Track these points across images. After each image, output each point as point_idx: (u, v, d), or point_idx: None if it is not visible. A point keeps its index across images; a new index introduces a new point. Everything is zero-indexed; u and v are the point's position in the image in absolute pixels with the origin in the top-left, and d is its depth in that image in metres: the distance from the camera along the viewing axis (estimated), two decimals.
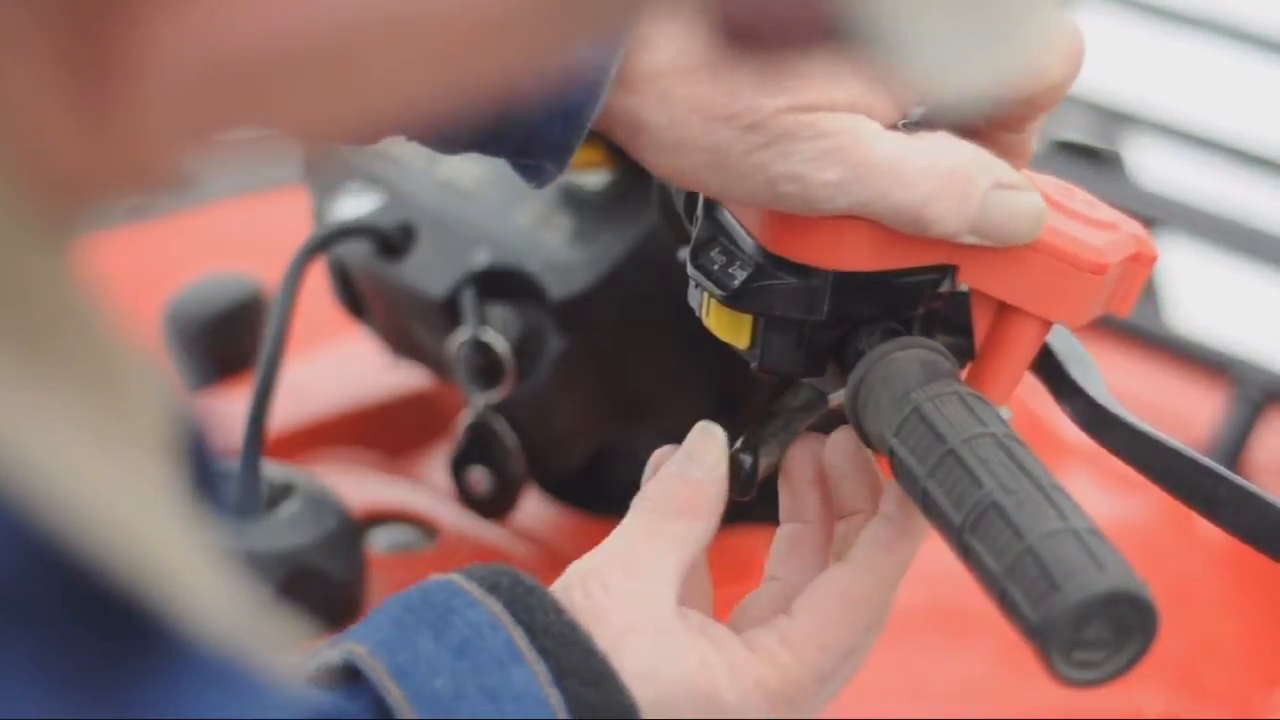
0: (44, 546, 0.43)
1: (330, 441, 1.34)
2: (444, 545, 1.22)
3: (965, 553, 0.72)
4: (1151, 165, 1.69)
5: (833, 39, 0.43)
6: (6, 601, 0.43)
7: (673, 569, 0.76)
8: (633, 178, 1.15)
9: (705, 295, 0.81)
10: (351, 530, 1.14)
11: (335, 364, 1.40)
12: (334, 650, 0.73)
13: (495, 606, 0.73)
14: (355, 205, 1.22)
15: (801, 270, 0.79)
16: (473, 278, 1.17)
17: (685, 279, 0.83)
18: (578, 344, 1.16)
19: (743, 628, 0.78)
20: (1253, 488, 0.79)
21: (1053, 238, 0.79)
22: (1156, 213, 1.52)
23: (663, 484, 0.79)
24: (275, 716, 0.48)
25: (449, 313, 1.17)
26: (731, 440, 0.81)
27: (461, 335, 1.16)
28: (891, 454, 0.76)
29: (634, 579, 0.76)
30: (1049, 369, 0.84)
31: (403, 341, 1.25)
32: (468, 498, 1.23)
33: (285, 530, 1.10)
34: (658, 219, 0.94)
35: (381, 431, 1.36)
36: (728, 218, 0.81)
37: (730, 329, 0.81)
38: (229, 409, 1.19)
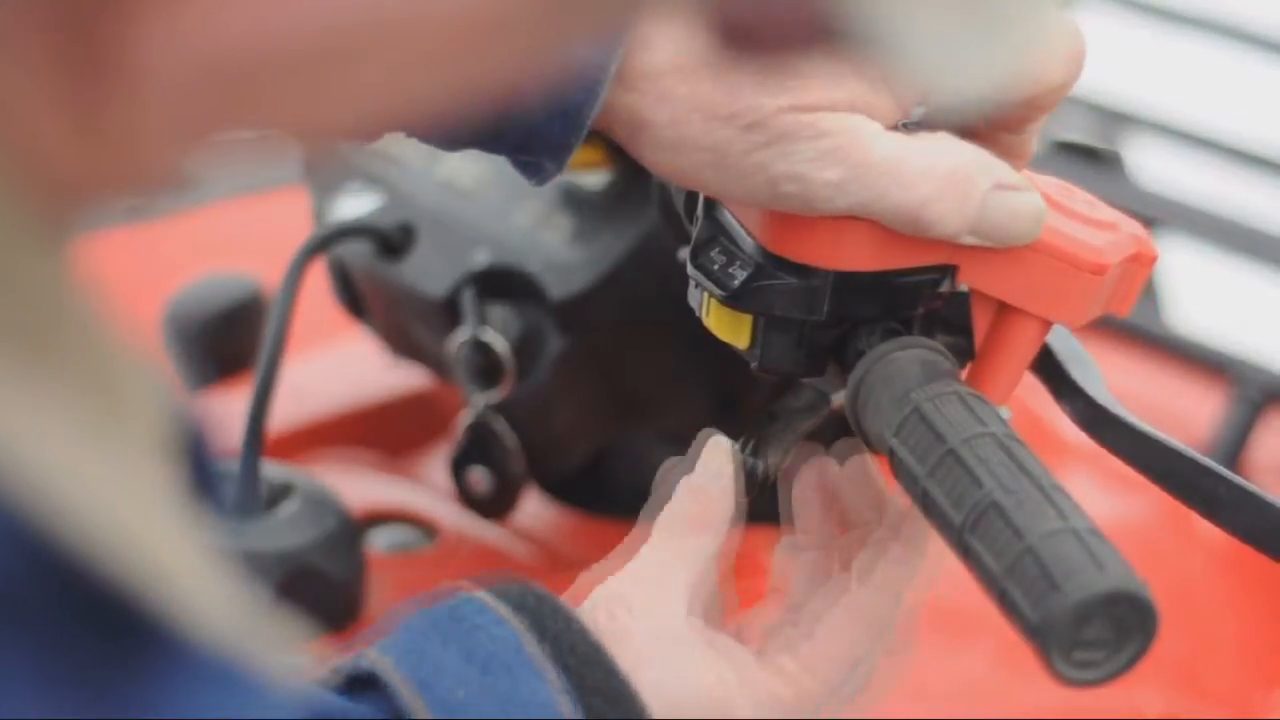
0: (42, 547, 0.43)
1: (330, 441, 1.34)
2: (444, 545, 1.22)
3: (965, 552, 0.72)
4: (1151, 165, 1.69)
5: (831, 39, 0.43)
6: (5, 602, 0.43)
7: (688, 585, 0.77)
8: (633, 178, 1.15)
9: (705, 295, 0.81)
10: (351, 530, 1.14)
11: (335, 364, 1.40)
12: (357, 660, 0.73)
13: (519, 624, 0.73)
14: (355, 205, 1.21)
15: (801, 270, 0.79)
16: (473, 278, 1.17)
17: (685, 279, 0.83)
18: (578, 344, 1.16)
19: (750, 641, 0.78)
20: (1252, 488, 0.79)
21: (1053, 238, 0.79)
22: (1156, 213, 1.52)
23: (677, 502, 0.79)
24: (274, 717, 0.48)
25: (449, 313, 1.17)
26: (735, 441, 0.81)
27: (461, 335, 1.16)
28: (891, 454, 0.76)
29: (655, 600, 0.76)
30: (1049, 369, 0.84)
31: (403, 341, 1.25)
32: (468, 498, 1.23)
33: (285, 530, 1.10)
34: (658, 219, 0.95)
35: (381, 431, 1.36)
36: (728, 218, 0.81)
37: (730, 329, 0.81)
38: (229, 409, 1.19)
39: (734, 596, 0.81)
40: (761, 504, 0.83)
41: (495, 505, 1.22)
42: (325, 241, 1.18)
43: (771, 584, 0.82)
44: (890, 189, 0.76)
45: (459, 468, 1.22)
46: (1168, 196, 1.57)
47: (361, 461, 1.33)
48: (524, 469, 1.21)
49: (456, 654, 0.72)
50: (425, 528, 1.24)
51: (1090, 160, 1.61)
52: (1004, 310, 0.81)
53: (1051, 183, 0.82)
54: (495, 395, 1.17)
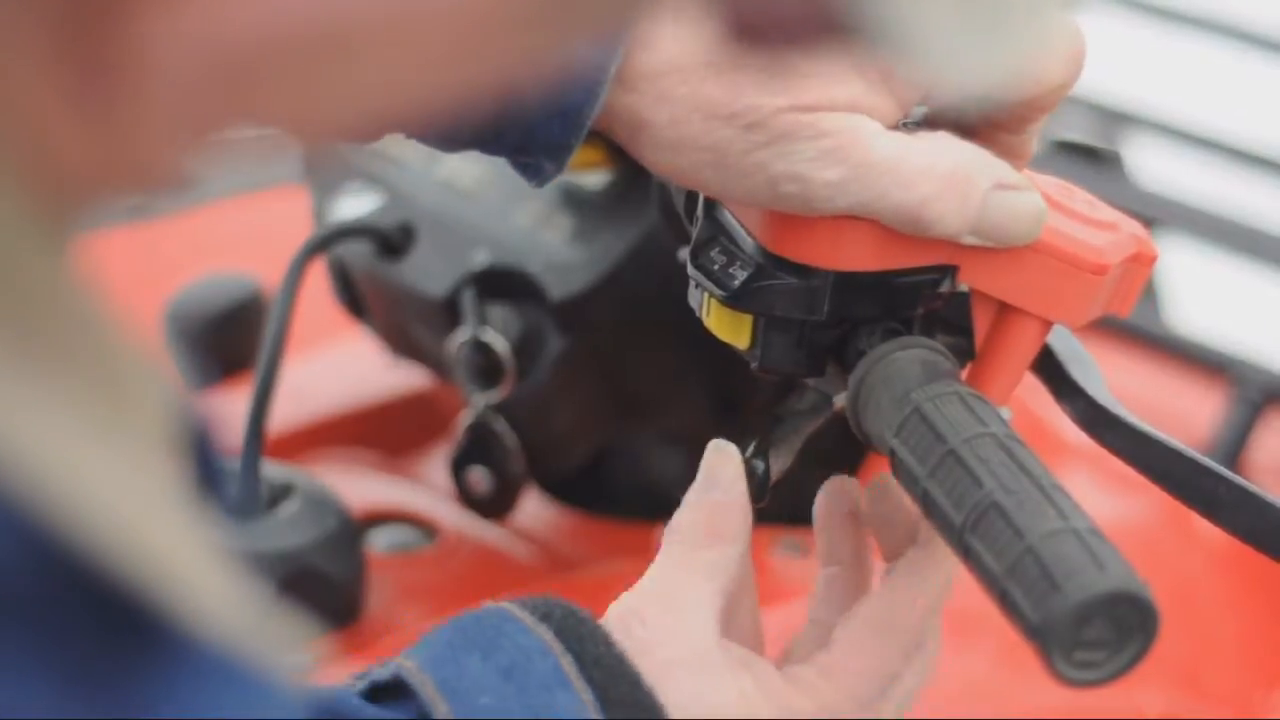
0: (48, 543, 0.43)
1: (330, 441, 1.34)
2: (444, 545, 1.22)
3: (966, 553, 0.72)
4: (1151, 165, 1.69)
5: (840, 35, 0.43)
6: (11, 598, 0.43)
7: (709, 598, 0.76)
8: (633, 178, 1.15)
9: (705, 295, 0.81)
10: (351, 530, 1.14)
11: (335, 364, 1.39)
12: (384, 667, 0.73)
13: (546, 634, 0.73)
14: (355, 205, 1.21)
15: (802, 270, 0.79)
16: (473, 278, 1.17)
17: (685, 279, 0.83)
18: (578, 344, 1.16)
19: (774, 656, 0.78)
20: (1253, 488, 0.79)
21: (1053, 238, 0.79)
22: (1156, 213, 1.52)
23: (687, 513, 0.79)
24: (278, 716, 0.48)
25: (449, 313, 1.17)
26: (739, 445, 0.81)
27: (461, 335, 1.16)
28: (892, 454, 0.76)
29: (671, 613, 0.76)
30: (1049, 369, 0.84)
31: (403, 341, 1.25)
32: (468, 498, 1.23)
33: (285, 530, 1.10)
34: (658, 219, 0.94)
35: (381, 431, 1.36)
36: (728, 218, 0.81)
37: (730, 329, 0.81)
38: (229, 409, 1.19)
39: (757, 607, 0.81)
40: (768, 506, 0.83)
41: (495, 505, 1.22)
42: (325, 241, 1.18)
43: (810, 615, 0.82)
44: (890, 188, 0.76)
45: (459, 468, 1.22)
46: (1168, 196, 1.56)
47: (361, 461, 1.33)
48: (524, 469, 1.21)
49: (481, 660, 0.72)
50: (425, 528, 1.24)
51: (1090, 160, 1.61)
52: (1004, 310, 0.81)
53: (1052, 182, 0.82)
54: (495, 395, 1.17)
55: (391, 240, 1.19)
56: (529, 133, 0.80)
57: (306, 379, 1.33)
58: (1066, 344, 0.84)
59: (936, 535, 0.77)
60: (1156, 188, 1.59)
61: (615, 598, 0.77)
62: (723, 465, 0.80)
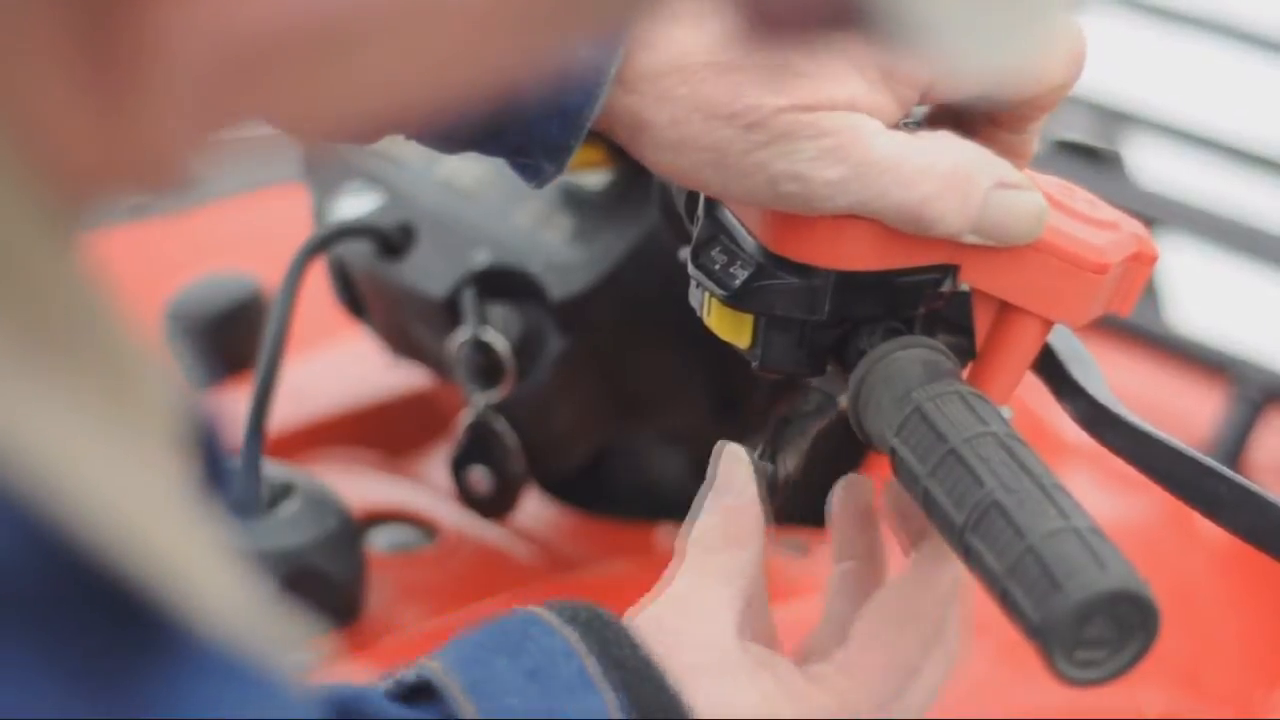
0: (54, 540, 0.43)
1: (330, 441, 1.34)
2: (444, 545, 1.22)
3: (966, 552, 0.72)
4: (1151, 165, 1.69)
5: (854, 25, 0.43)
6: (16, 595, 0.43)
7: (728, 602, 0.77)
8: (633, 178, 1.15)
9: (706, 295, 0.81)
10: (351, 530, 1.14)
11: (335, 364, 1.39)
12: (410, 668, 0.74)
13: (571, 635, 0.74)
14: (355, 205, 1.21)
15: (803, 270, 0.79)
16: (473, 278, 1.17)
17: (686, 279, 0.83)
18: (578, 344, 1.16)
19: (793, 655, 0.78)
20: (1253, 487, 0.79)
21: (1054, 237, 0.79)
22: (1156, 213, 1.52)
23: (706, 518, 0.79)
24: (283, 715, 0.48)
25: (449, 313, 1.17)
26: (743, 445, 0.81)
27: (462, 335, 1.16)
28: (893, 453, 0.76)
29: (690, 619, 0.76)
30: (1050, 368, 0.84)
31: (403, 341, 1.25)
32: (468, 497, 1.23)
33: (285, 530, 1.10)
34: (658, 219, 0.95)
35: (381, 431, 1.36)
36: (729, 217, 0.81)
37: (731, 329, 0.81)
38: (229, 409, 1.19)
39: (771, 610, 0.81)
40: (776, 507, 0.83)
41: (495, 505, 1.22)
42: (325, 241, 1.18)
43: (826, 610, 0.82)
44: (891, 187, 0.76)
45: (459, 467, 1.22)
46: (1168, 196, 1.56)
47: (361, 461, 1.33)
48: (524, 469, 1.21)
49: (508, 662, 0.73)
50: (425, 528, 1.24)
51: (1090, 160, 1.61)
52: (1005, 309, 0.81)
53: (1052, 182, 0.82)
54: (495, 395, 1.17)
55: (392, 240, 1.19)
56: (528, 133, 0.80)
57: (307, 379, 1.33)
58: (1067, 343, 0.84)
59: None
60: (1156, 187, 1.59)
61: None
62: (734, 469, 0.80)
